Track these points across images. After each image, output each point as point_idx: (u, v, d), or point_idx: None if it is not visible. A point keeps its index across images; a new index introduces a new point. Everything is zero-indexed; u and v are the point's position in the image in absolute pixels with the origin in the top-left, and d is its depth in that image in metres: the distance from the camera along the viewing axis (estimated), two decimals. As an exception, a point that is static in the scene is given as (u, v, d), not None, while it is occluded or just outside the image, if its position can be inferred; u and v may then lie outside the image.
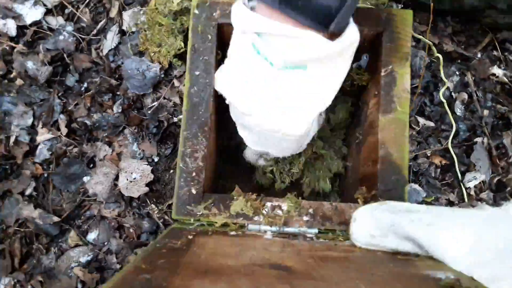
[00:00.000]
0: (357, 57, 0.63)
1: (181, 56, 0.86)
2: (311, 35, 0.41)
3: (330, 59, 0.45)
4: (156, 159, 0.87)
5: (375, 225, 0.45)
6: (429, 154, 0.93)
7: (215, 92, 0.53)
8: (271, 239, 0.47)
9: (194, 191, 0.52)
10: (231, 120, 0.56)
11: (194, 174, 0.52)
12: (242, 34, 0.45)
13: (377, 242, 0.44)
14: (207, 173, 0.54)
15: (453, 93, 0.97)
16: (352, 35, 0.44)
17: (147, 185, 0.84)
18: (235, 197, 0.51)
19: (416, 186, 0.90)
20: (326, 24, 0.41)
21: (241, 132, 0.57)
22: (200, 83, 0.53)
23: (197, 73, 0.53)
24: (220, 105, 0.56)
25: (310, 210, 0.51)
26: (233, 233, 0.49)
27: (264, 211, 0.51)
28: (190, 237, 0.45)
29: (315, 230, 0.51)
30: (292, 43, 0.42)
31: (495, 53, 1.00)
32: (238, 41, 0.47)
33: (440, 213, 0.42)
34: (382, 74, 0.53)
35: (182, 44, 0.82)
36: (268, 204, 0.51)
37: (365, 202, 0.52)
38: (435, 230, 0.41)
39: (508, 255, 0.35)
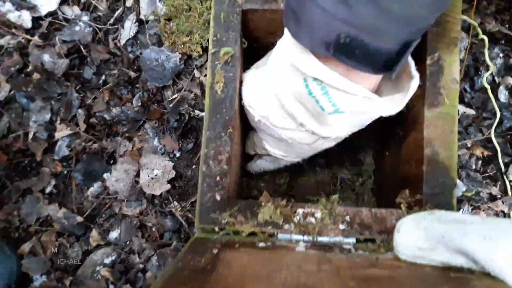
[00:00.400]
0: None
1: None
2: (371, 96, 0.41)
3: None
4: (177, 155, 0.83)
5: (423, 236, 0.39)
6: (469, 145, 0.86)
7: (241, 87, 0.48)
8: (305, 252, 0.43)
9: (218, 197, 0.47)
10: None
11: (218, 178, 0.48)
12: (290, 66, 0.42)
13: (425, 254, 0.39)
14: (232, 177, 0.49)
15: (496, 78, 0.89)
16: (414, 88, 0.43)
17: (169, 181, 0.81)
18: (263, 203, 0.47)
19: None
20: (387, 69, 0.38)
21: (263, 136, 0.55)
22: (224, 77, 0.48)
23: (220, 66, 0.48)
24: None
25: (347, 218, 0.46)
26: (262, 244, 0.44)
27: (295, 219, 0.46)
28: (215, 251, 0.41)
29: (353, 240, 0.46)
30: (350, 98, 0.41)
31: (544, 32, 0.91)
32: (282, 65, 0.44)
33: (498, 224, 0.37)
34: (428, 62, 0.47)
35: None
36: (300, 211, 0.47)
37: (409, 207, 0.46)
38: (493, 244, 0.35)
39: None
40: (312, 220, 0.46)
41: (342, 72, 0.39)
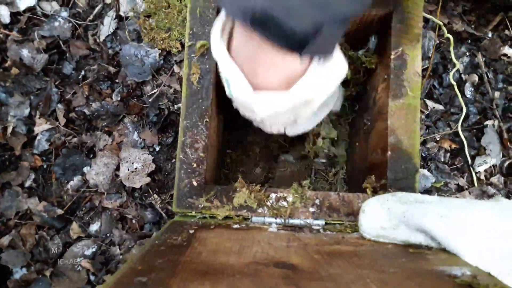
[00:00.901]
0: (364, 40, 0.60)
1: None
2: (257, 98, 0.41)
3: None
4: (157, 148, 0.84)
5: (386, 216, 0.43)
6: (438, 138, 0.90)
7: (216, 78, 0.51)
8: (276, 232, 0.45)
9: (195, 183, 0.49)
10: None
11: (195, 165, 0.50)
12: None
13: (387, 234, 0.42)
14: (208, 164, 0.52)
15: (463, 75, 0.93)
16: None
17: (148, 175, 0.82)
18: (238, 189, 0.49)
19: (425, 171, 0.88)
20: (301, 48, 0.38)
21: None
22: (200, 69, 0.50)
23: (196, 58, 0.50)
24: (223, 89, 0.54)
25: (316, 201, 0.49)
26: (236, 226, 0.47)
27: (268, 203, 0.49)
28: (191, 231, 0.43)
29: (322, 222, 0.48)
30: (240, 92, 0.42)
31: (506, 32, 0.96)
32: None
33: (454, 204, 0.40)
34: (392, 56, 0.50)
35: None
36: (273, 195, 0.49)
37: (374, 191, 0.50)
38: (449, 222, 0.39)
39: None
40: (284, 203, 0.49)
41: (257, 43, 0.39)
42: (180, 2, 0.79)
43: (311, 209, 0.49)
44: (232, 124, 0.72)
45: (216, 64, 0.49)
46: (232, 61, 0.41)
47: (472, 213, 0.38)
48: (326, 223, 0.49)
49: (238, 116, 0.51)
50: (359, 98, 0.68)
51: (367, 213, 0.44)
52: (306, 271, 0.32)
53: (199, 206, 0.49)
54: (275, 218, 0.49)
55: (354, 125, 0.71)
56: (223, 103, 0.56)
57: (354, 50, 0.60)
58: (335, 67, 0.43)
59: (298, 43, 0.37)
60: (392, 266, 0.34)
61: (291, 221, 0.49)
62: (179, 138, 0.50)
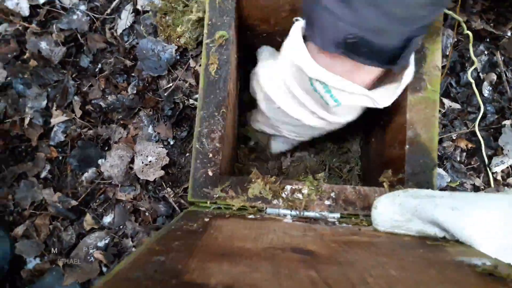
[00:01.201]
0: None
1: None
2: (367, 93, 0.45)
3: None
4: (171, 142, 0.85)
5: (398, 211, 0.42)
6: (454, 138, 0.89)
7: (236, 69, 0.51)
8: (291, 223, 0.45)
9: (210, 173, 0.49)
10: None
11: (210, 155, 0.50)
12: (297, 67, 0.46)
13: (400, 225, 0.42)
14: (224, 155, 0.52)
15: (481, 74, 0.92)
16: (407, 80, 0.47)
17: (162, 168, 0.82)
18: (253, 180, 0.49)
19: (440, 170, 0.87)
20: (391, 62, 0.42)
21: (279, 123, 0.59)
22: (218, 60, 0.50)
23: (214, 49, 0.51)
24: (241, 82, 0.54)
25: (332, 194, 0.48)
26: (251, 216, 0.47)
27: (283, 195, 0.49)
28: (206, 219, 0.43)
29: (337, 215, 0.48)
30: (349, 95, 0.45)
31: (526, 31, 0.95)
32: (290, 65, 0.48)
33: (465, 197, 0.40)
34: (411, 49, 0.50)
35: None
36: (288, 187, 0.49)
37: (391, 185, 0.49)
38: (460, 214, 0.39)
39: None
40: (300, 196, 0.49)
41: (350, 68, 0.43)
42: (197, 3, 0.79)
43: (327, 202, 0.48)
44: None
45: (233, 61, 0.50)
46: (329, 72, 0.43)
47: (484, 205, 0.38)
48: (341, 216, 0.48)
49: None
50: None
51: (379, 209, 0.44)
52: (324, 257, 0.32)
53: (214, 196, 0.49)
54: (290, 210, 0.48)
55: (368, 120, 0.70)
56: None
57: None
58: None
59: (388, 58, 0.41)
60: (410, 256, 0.34)
61: (306, 213, 0.48)
62: (196, 127, 0.50)
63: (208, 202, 0.49)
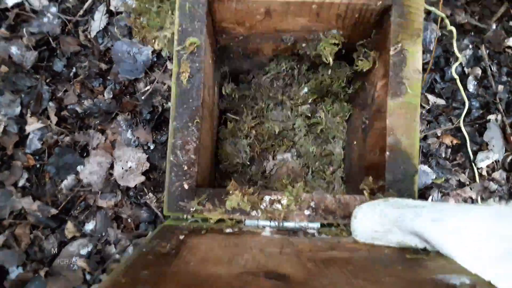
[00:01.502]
0: (363, 34, 0.57)
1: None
2: None
3: None
4: (151, 147, 0.83)
5: (379, 220, 0.41)
6: (439, 134, 0.88)
7: (212, 74, 0.49)
8: (270, 237, 0.43)
9: (186, 186, 0.48)
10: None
11: (185, 167, 0.48)
12: None
13: (379, 236, 0.41)
14: (201, 166, 0.50)
15: (465, 68, 0.91)
16: None
17: (143, 173, 0.80)
18: (231, 192, 0.47)
19: (425, 167, 0.86)
20: None
21: None
22: (190, 68, 0.48)
23: (185, 56, 0.48)
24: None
25: (312, 204, 0.47)
26: (229, 230, 0.45)
27: (262, 206, 0.47)
28: (181, 237, 0.41)
29: (317, 225, 0.47)
30: None
31: (511, 23, 0.94)
32: None
33: (445, 209, 0.39)
34: (391, 53, 0.48)
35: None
36: (267, 198, 0.47)
37: (372, 193, 0.48)
38: (441, 226, 0.38)
39: (504, 254, 0.32)
40: (279, 206, 0.47)
41: None
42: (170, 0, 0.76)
43: (306, 212, 0.47)
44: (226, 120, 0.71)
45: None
46: None
47: (464, 217, 0.37)
48: (321, 226, 0.47)
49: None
50: (357, 95, 0.65)
51: (359, 219, 0.43)
52: (298, 281, 0.30)
53: (191, 209, 0.47)
54: (270, 221, 0.47)
55: (351, 123, 0.69)
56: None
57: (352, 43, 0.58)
58: None
59: None
60: (388, 275, 0.33)
61: (286, 224, 0.47)
62: (169, 139, 0.49)
63: (185, 215, 0.47)
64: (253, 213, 0.47)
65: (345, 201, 0.47)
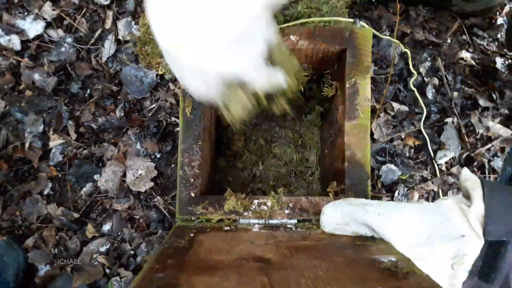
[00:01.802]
0: (327, 66, 0.71)
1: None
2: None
3: None
4: (158, 156, 0.97)
5: (340, 216, 0.56)
6: (403, 136, 1.03)
7: (209, 107, 0.63)
8: (258, 231, 0.58)
9: (193, 194, 0.62)
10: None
11: (192, 180, 0.62)
12: None
13: (340, 228, 0.56)
14: (203, 177, 0.64)
15: (425, 78, 1.06)
16: None
17: (152, 179, 0.95)
18: (227, 198, 0.62)
19: (392, 166, 1.01)
20: None
21: None
22: (193, 102, 0.62)
23: (189, 94, 0.62)
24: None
25: (290, 204, 0.62)
26: (227, 228, 0.59)
27: (252, 208, 0.62)
28: (191, 235, 0.55)
29: (295, 221, 0.61)
30: None
31: (464, 37, 1.08)
32: None
33: (388, 206, 0.54)
34: (347, 86, 0.63)
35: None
36: (255, 201, 0.62)
37: (335, 194, 0.62)
38: (383, 219, 0.52)
39: (431, 241, 0.47)
40: (265, 207, 0.62)
41: None
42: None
43: (286, 211, 0.62)
44: (223, 139, 0.85)
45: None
46: None
47: (399, 212, 0.51)
48: (298, 221, 0.62)
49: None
50: (327, 114, 0.80)
51: (326, 215, 0.57)
52: (276, 263, 0.45)
53: (197, 212, 0.62)
54: (258, 220, 0.61)
55: (323, 135, 0.83)
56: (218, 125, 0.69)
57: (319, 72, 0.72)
58: None
59: None
60: (339, 256, 0.47)
61: (271, 221, 0.61)
62: (178, 158, 0.63)
63: (193, 217, 0.62)
64: (245, 213, 0.61)
65: (316, 202, 0.62)
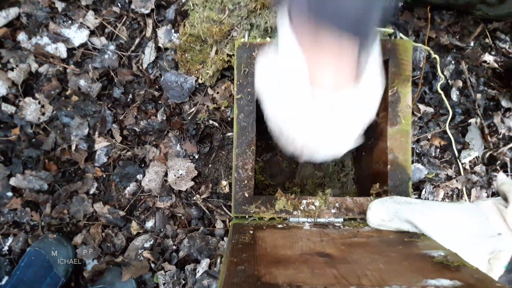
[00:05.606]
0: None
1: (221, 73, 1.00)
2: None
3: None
4: (196, 156, 1.02)
5: (385, 212, 0.61)
6: (429, 137, 1.07)
7: (257, 116, 0.68)
8: (310, 229, 0.63)
9: (246, 195, 0.67)
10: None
11: (245, 181, 0.68)
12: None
13: (385, 223, 0.61)
14: (254, 180, 0.69)
15: (449, 81, 1.10)
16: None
17: (192, 179, 1.00)
18: (278, 198, 0.67)
19: (419, 165, 1.06)
20: (353, 30, 0.43)
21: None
22: (245, 111, 0.68)
23: (242, 103, 0.68)
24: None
25: (336, 204, 0.67)
26: (280, 226, 0.65)
27: (301, 207, 0.67)
28: (251, 232, 0.61)
29: (341, 219, 0.66)
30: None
31: (486, 41, 1.12)
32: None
33: (430, 205, 0.59)
34: (389, 93, 0.67)
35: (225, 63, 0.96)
36: (304, 201, 0.67)
37: (378, 195, 0.67)
38: (425, 217, 0.57)
39: (470, 237, 0.52)
40: (313, 207, 0.67)
41: (315, 33, 0.44)
42: (211, 42, 0.95)
43: (333, 211, 0.67)
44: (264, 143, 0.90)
45: (257, 101, 0.67)
46: (300, 51, 0.47)
47: (441, 211, 0.56)
48: (344, 220, 0.67)
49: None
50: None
51: (372, 210, 0.62)
52: (338, 258, 0.50)
53: (251, 211, 0.67)
54: (307, 218, 0.67)
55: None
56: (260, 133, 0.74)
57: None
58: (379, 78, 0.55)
59: (351, 24, 0.42)
60: (393, 252, 0.52)
61: (319, 220, 0.67)
62: (233, 162, 0.68)
63: (246, 215, 0.67)
64: (295, 212, 0.67)
65: (360, 202, 0.67)
